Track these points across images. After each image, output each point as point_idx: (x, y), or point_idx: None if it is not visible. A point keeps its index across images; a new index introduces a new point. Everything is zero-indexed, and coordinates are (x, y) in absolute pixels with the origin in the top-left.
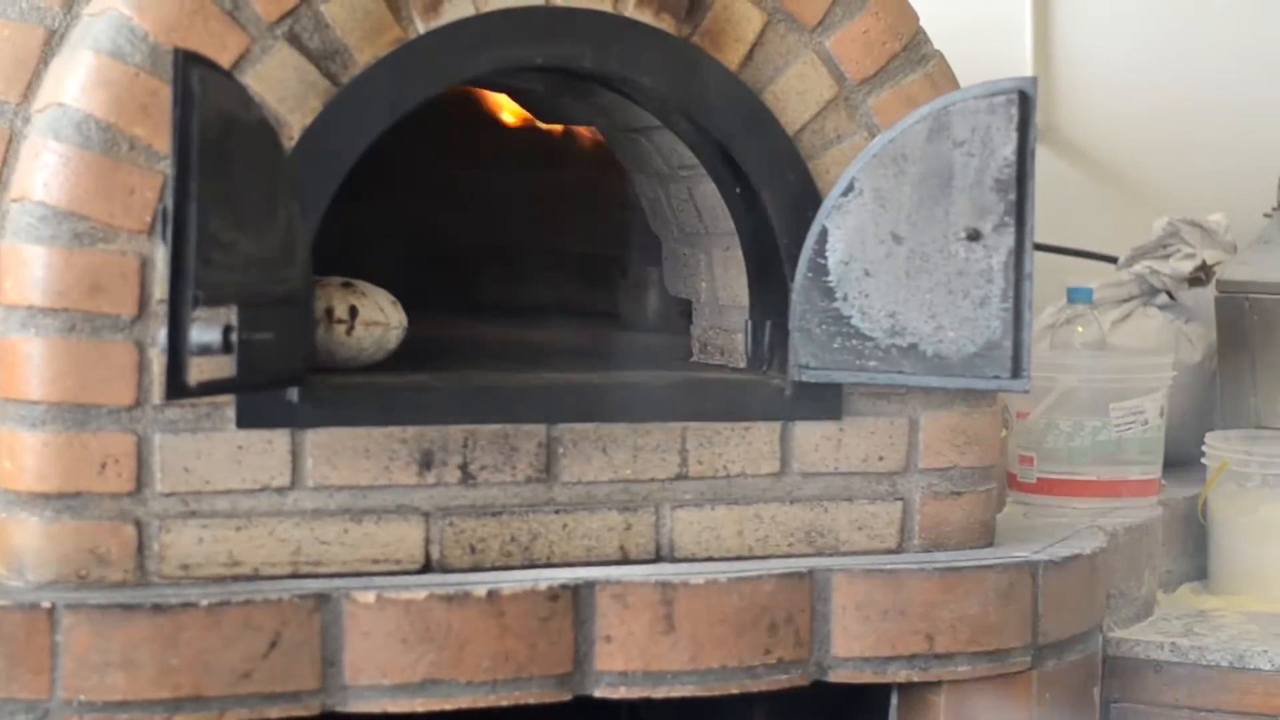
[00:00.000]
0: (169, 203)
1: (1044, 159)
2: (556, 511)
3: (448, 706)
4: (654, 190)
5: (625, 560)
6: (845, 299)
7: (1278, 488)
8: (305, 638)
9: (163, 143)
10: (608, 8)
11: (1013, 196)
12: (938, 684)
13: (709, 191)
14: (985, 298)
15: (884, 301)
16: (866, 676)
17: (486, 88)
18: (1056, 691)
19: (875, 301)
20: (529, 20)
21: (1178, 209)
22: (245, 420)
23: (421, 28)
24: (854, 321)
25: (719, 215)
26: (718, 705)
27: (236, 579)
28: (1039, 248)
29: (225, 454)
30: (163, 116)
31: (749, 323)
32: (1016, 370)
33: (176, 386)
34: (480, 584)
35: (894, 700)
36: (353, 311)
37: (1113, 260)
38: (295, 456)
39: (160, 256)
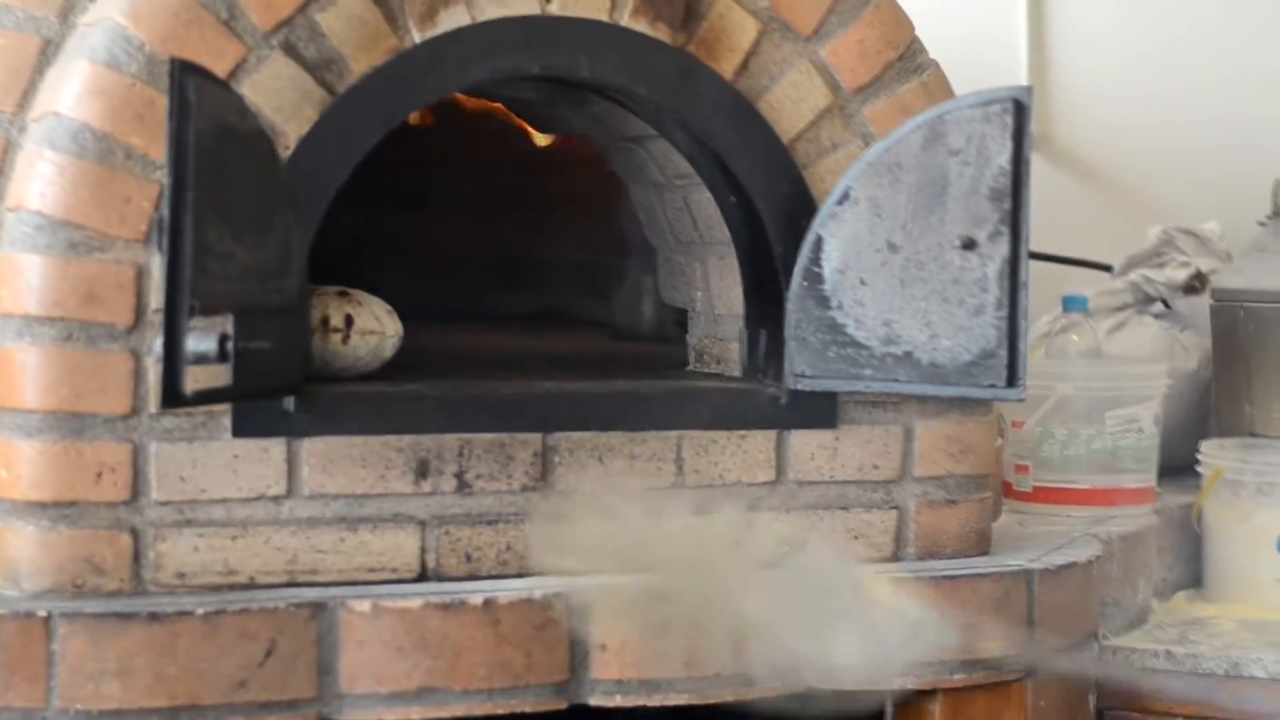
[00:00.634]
0: (165, 212)
1: (1039, 168)
2: None
3: (444, 715)
4: (649, 199)
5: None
6: (840, 307)
7: (1272, 495)
8: (301, 646)
9: (158, 152)
10: (603, 17)
11: (1008, 205)
12: (933, 692)
13: (704, 200)
14: (980, 306)
15: (879, 310)
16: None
17: (482, 97)
18: (1051, 699)
19: (870, 310)
20: (525, 30)
21: (1172, 217)
22: (241, 429)
23: (417, 37)
24: (849, 330)
25: (714, 224)
26: (714, 713)
27: (232, 588)
28: (1034, 256)
29: (221, 463)
30: (159, 126)
31: (744, 331)
32: (1012, 379)
33: (172, 395)
34: (476, 593)
35: (889, 708)
36: (349, 320)
37: (1108, 269)
38: (291, 465)
39: (156, 266)
